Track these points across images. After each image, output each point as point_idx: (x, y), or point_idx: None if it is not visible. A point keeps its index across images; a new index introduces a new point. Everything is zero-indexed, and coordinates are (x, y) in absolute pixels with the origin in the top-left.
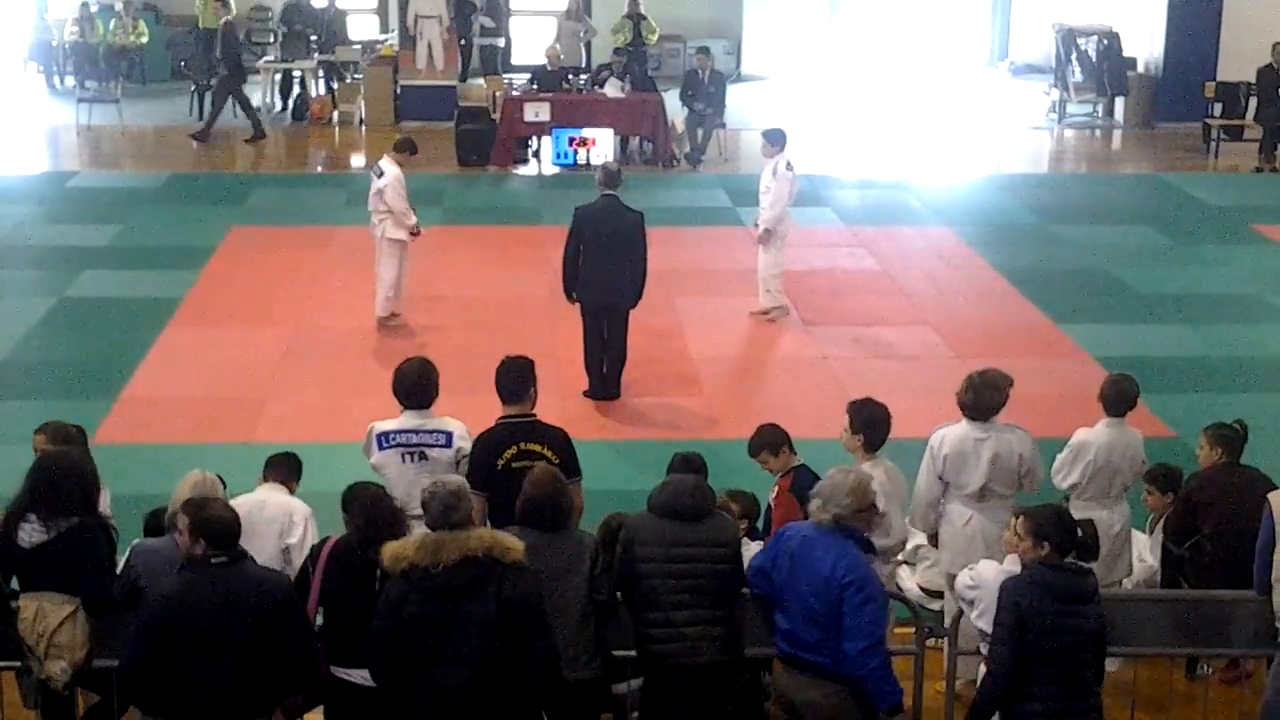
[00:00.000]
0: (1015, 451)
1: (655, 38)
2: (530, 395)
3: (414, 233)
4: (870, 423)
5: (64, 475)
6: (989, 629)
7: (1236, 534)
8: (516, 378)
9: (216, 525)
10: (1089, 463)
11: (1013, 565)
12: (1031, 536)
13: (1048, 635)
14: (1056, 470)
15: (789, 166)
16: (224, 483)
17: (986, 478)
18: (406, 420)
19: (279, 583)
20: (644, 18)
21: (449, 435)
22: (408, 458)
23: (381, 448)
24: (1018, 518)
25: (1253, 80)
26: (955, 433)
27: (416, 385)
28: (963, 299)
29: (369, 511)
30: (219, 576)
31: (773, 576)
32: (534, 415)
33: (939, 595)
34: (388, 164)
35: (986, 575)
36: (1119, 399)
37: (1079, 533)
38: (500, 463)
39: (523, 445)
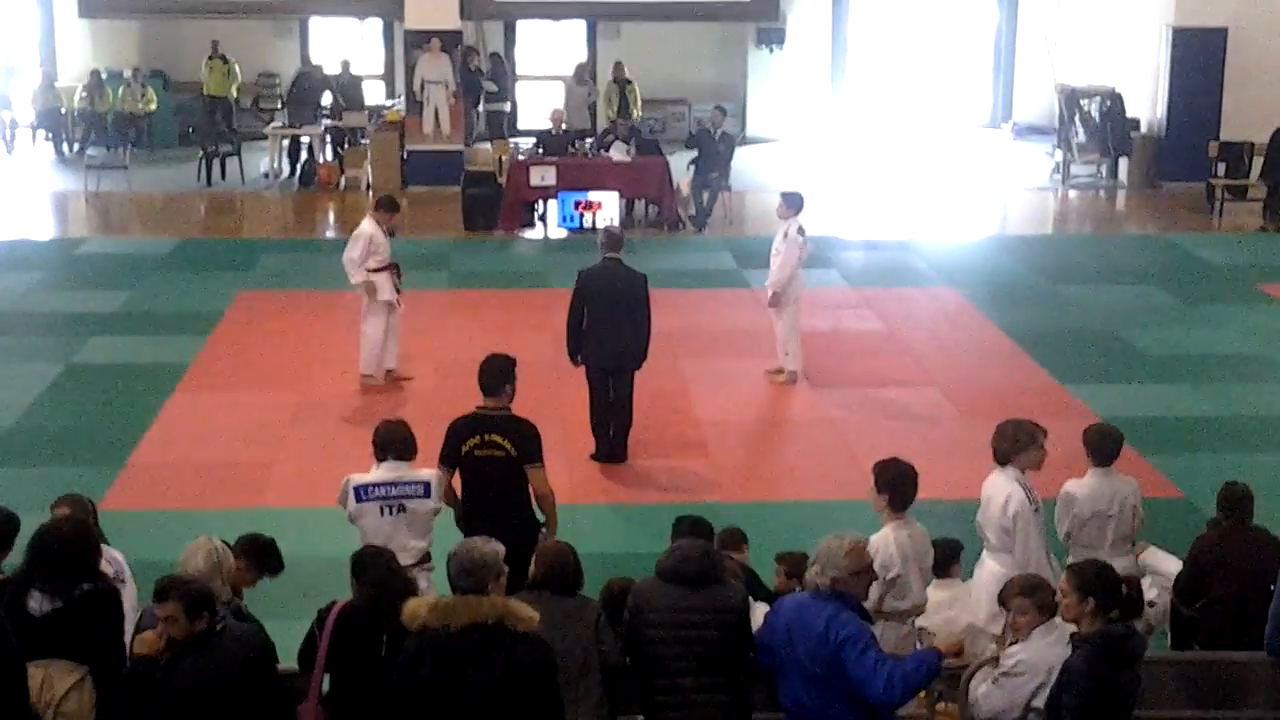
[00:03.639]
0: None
1: (638, 110)
2: (506, 391)
3: (370, 294)
4: (894, 482)
5: (64, 544)
6: (1040, 704)
7: (1247, 596)
8: (495, 373)
9: (201, 596)
10: (1075, 514)
11: (1045, 636)
12: (1076, 592)
13: (1110, 701)
14: (1056, 521)
15: (800, 231)
16: (231, 549)
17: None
18: (384, 473)
19: (253, 643)
20: (629, 83)
21: (426, 485)
22: (386, 510)
23: (359, 500)
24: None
25: (1255, 140)
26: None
27: (396, 437)
28: (969, 360)
29: (383, 580)
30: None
31: (772, 647)
32: (507, 409)
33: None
34: (366, 222)
35: (1035, 652)
36: (1102, 447)
37: (1124, 589)
38: (464, 449)
39: (486, 436)
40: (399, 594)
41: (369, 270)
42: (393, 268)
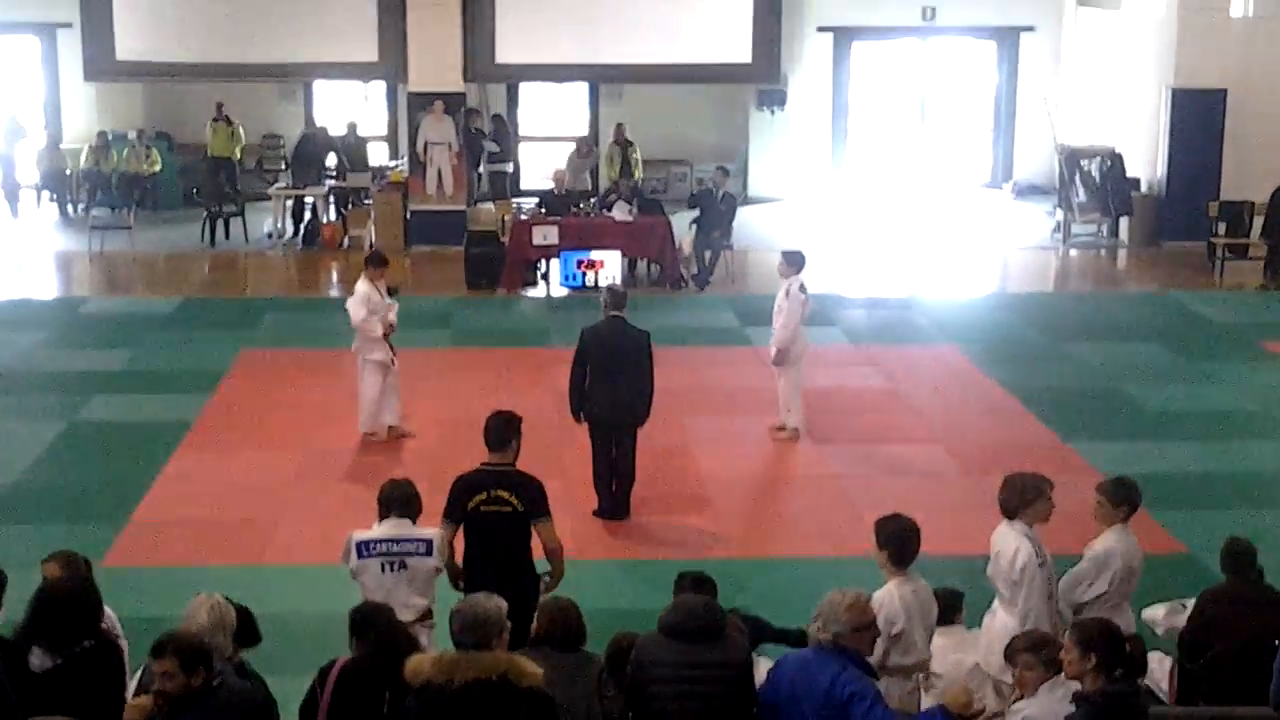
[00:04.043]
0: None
1: (639, 170)
2: (512, 446)
3: (387, 336)
4: (893, 538)
5: (66, 602)
6: None
7: (1252, 651)
8: (501, 429)
9: (197, 651)
10: (1116, 571)
11: (1052, 692)
12: (1078, 648)
13: None
14: (1077, 583)
15: (802, 288)
16: (233, 605)
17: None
18: (386, 529)
19: (253, 700)
20: (631, 144)
21: (429, 543)
22: (387, 567)
23: (361, 556)
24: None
25: (1255, 199)
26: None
27: (401, 496)
28: (971, 417)
29: (384, 637)
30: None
31: (775, 703)
32: (512, 465)
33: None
34: (361, 283)
35: (1040, 708)
36: (1130, 498)
37: (1127, 647)
38: (471, 505)
39: (493, 492)
40: (400, 650)
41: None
42: (389, 330)
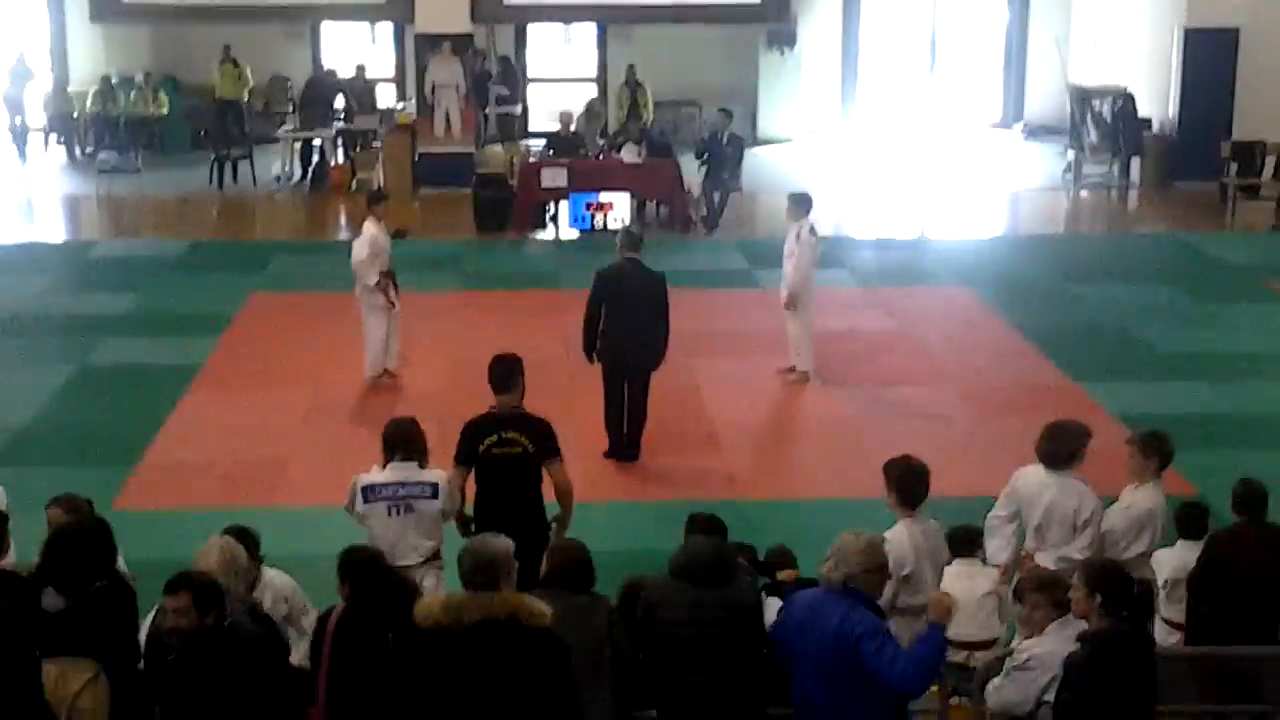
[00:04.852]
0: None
1: (650, 112)
2: (518, 387)
3: (385, 294)
4: (901, 479)
5: (79, 545)
6: (1050, 697)
7: (1263, 590)
8: (505, 371)
9: (211, 589)
10: (1156, 529)
11: (1061, 631)
12: (1085, 587)
13: (1110, 701)
14: (1115, 542)
15: (813, 231)
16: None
17: (1040, 521)
18: (392, 473)
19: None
20: (640, 85)
21: (435, 487)
22: (394, 510)
23: (367, 500)
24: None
25: (1268, 139)
26: (1028, 472)
27: (405, 437)
28: (982, 358)
29: (370, 581)
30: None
31: (785, 643)
32: (520, 406)
33: (964, 647)
34: (368, 224)
35: (1047, 647)
36: (1160, 451)
37: (1134, 589)
38: (482, 448)
39: (504, 434)
40: (394, 592)
41: None
42: (389, 274)
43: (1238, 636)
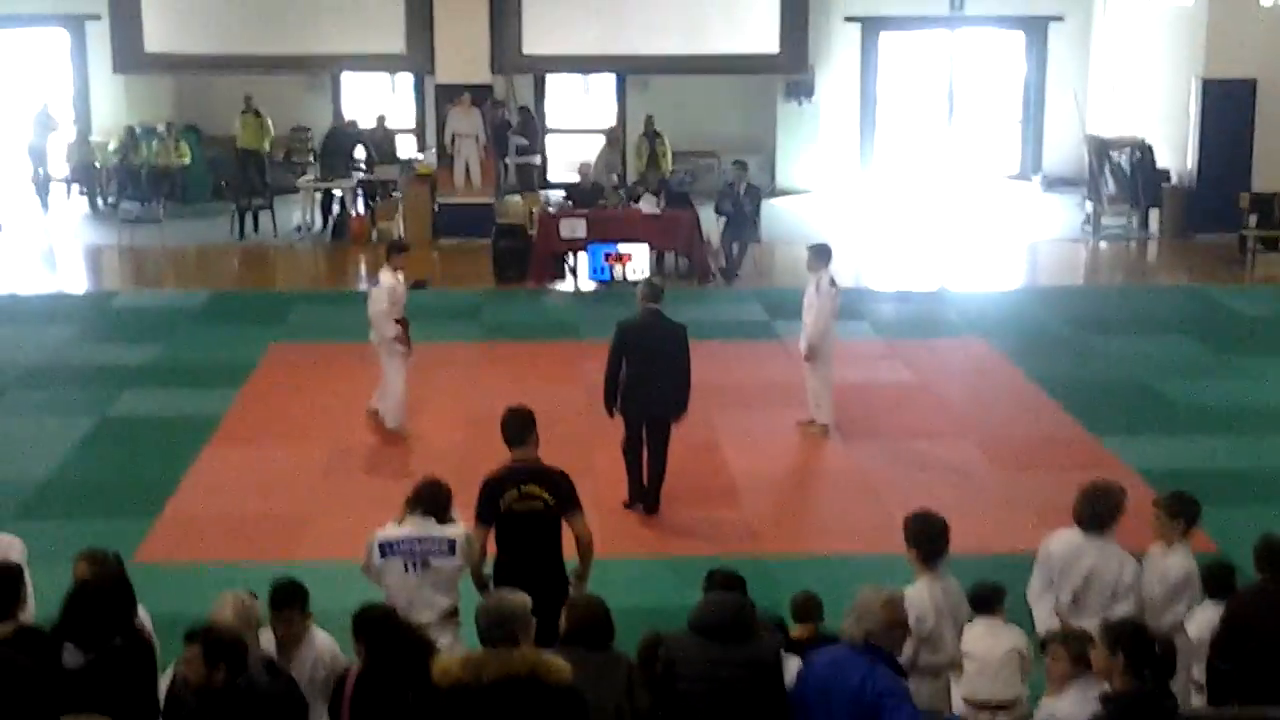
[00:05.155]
0: (1115, 570)
1: (668, 162)
2: (532, 439)
3: (403, 342)
4: (922, 535)
5: (97, 599)
6: None
7: None
8: (517, 424)
9: (220, 645)
10: (1193, 594)
11: (1084, 690)
12: (1106, 646)
13: None
14: (1156, 606)
15: (832, 282)
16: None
17: (1078, 587)
18: (410, 528)
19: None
20: (659, 136)
21: (452, 543)
22: (410, 566)
23: (384, 555)
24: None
25: None
26: (1063, 536)
27: (431, 496)
28: (1001, 411)
29: (385, 640)
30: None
31: (805, 702)
32: (537, 459)
33: (986, 708)
34: (384, 274)
35: (1068, 706)
36: (1185, 513)
37: (1156, 648)
38: (503, 505)
39: (523, 488)
40: (410, 648)
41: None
42: (403, 321)
43: (1260, 696)
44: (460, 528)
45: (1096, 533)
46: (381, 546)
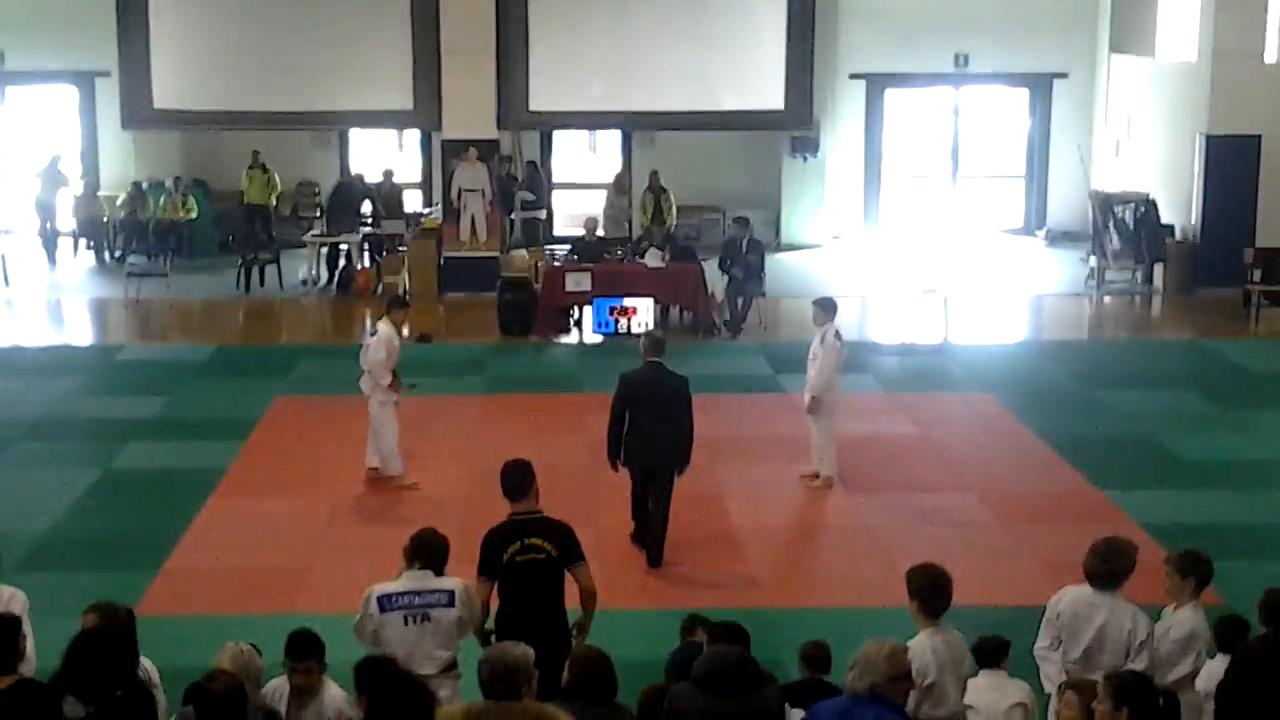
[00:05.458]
0: (1128, 627)
1: (673, 216)
2: (533, 492)
3: (395, 390)
4: (924, 588)
5: (97, 651)
6: None
7: None
8: (517, 477)
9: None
10: (1201, 651)
11: None
12: (1111, 700)
13: None
14: (1162, 663)
15: (837, 335)
16: (260, 653)
17: (1090, 644)
18: (407, 582)
19: None
20: (664, 191)
21: (451, 594)
22: (410, 620)
23: (384, 610)
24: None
25: None
26: (1072, 593)
27: (426, 548)
28: (1006, 465)
29: (386, 692)
30: None
31: None
32: (539, 511)
33: None
34: (383, 326)
35: None
36: (1196, 571)
37: (1160, 701)
38: (505, 557)
39: (526, 541)
40: (413, 698)
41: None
42: (394, 373)
43: None
44: (457, 579)
45: (1108, 589)
46: (380, 600)
